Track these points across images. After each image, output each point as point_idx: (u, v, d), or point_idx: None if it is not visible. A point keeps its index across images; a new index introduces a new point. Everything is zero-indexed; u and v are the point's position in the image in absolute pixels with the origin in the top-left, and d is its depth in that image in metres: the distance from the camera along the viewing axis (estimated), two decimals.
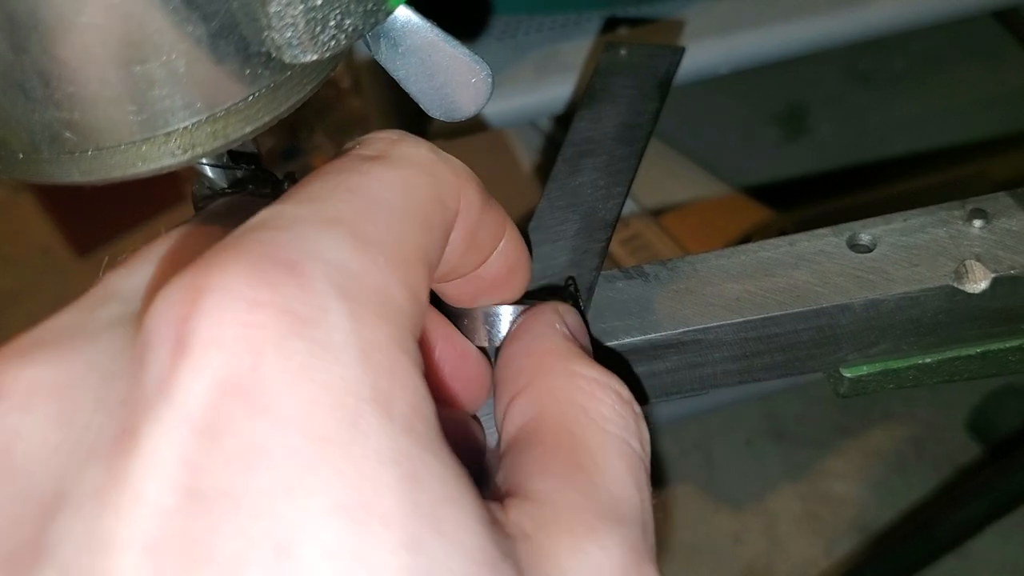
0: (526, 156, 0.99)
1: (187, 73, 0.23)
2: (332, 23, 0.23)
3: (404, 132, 0.26)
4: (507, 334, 0.32)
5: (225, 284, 0.19)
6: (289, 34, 0.23)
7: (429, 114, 0.31)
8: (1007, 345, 0.41)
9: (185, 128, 0.24)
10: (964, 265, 0.39)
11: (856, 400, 1.45)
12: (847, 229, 0.41)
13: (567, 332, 0.30)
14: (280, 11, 0.23)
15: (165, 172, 0.24)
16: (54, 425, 0.21)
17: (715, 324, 0.39)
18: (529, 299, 0.38)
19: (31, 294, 1.68)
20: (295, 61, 0.23)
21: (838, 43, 0.73)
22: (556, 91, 0.70)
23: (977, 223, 0.41)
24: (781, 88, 1.19)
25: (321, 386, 0.19)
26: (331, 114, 1.06)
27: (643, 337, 0.38)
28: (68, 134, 0.23)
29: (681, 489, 1.39)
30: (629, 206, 0.96)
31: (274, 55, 0.24)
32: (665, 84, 0.48)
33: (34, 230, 1.73)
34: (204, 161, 0.31)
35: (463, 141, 0.94)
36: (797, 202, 1.04)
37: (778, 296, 0.39)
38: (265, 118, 0.25)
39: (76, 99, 0.23)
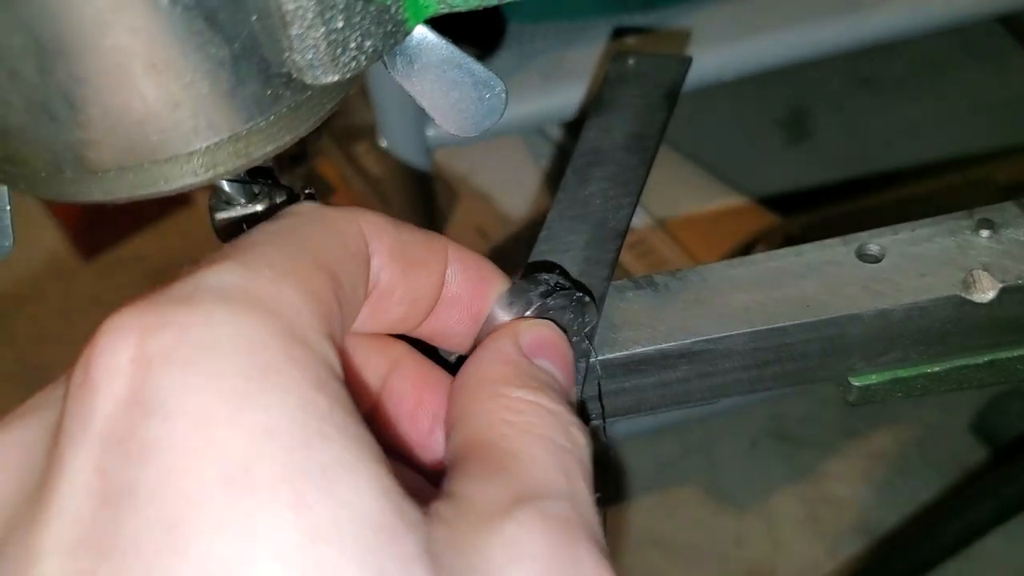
0: (533, 163, 0.99)
1: (209, 94, 0.23)
2: (352, 45, 0.24)
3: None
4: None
5: (123, 322, 0.23)
6: (310, 56, 0.23)
7: (444, 128, 0.32)
8: (1015, 354, 0.42)
9: (207, 147, 0.24)
10: (972, 275, 0.40)
11: None
12: (855, 239, 0.42)
13: (518, 353, 0.31)
14: (302, 33, 0.23)
15: (186, 191, 0.24)
16: (13, 478, 0.24)
17: (725, 334, 0.39)
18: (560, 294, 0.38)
19: (37, 299, 1.68)
20: (316, 82, 0.24)
21: (842, 49, 0.73)
22: (562, 98, 0.70)
23: (984, 233, 0.41)
24: (784, 93, 1.19)
25: (207, 376, 0.21)
26: (337, 119, 1.06)
27: (654, 347, 0.39)
28: (91, 154, 0.24)
29: (684, 491, 1.39)
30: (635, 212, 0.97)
31: (295, 76, 0.24)
32: (673, 94, 0.49)
33: (40, 234, 1.73)
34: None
35: (470, 148, 0.95)
36: (801, 206, 1.05)
37: (787, 306, 0.40)
38: (286, 137, 0.25)
39: (99, 120, 0.23)
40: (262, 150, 0.25)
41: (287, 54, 0.23)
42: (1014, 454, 1.30)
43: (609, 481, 0.31)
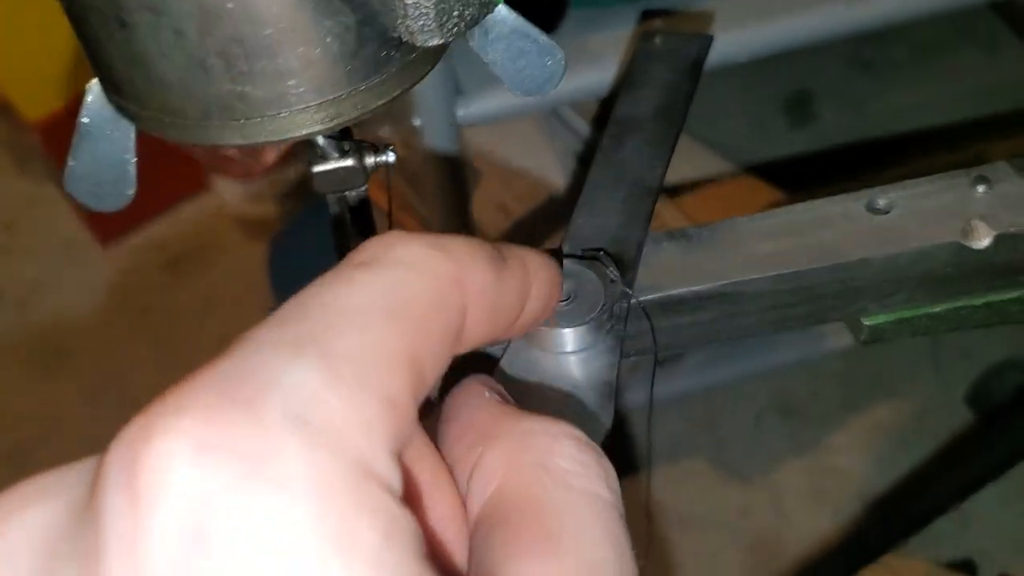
0: (548, 143, 1.04)
1: (338, 55, 0.28)
2: (456, 13, 0.28)
3: (403, 233, 0.25)
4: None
5: (176, 425, 0.19)
6: (421, 22, 0.28)
7: (513, 91, 0.36)
8: (1009, 296, 0.47)
9: (333, 100, 0.29)
10: (969, 224, 0.44)
11: (861, 376, 1.50)
12: (866, 194, 0.46)
13: (499, 399, 0.28)
14: (415, 3, 0.28)
15: (310, 138, 0.29)
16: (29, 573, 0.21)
17: (752, 278, 0.44)
18: (577, 260, 0.43)
19: (55, 285, 1.72)
20: (424, 45, 0.28)
21: (854, 31, 0.78)
22: (596, 77, 0.74)
23: (980, 188, 0.46)
24: (788, 77, 1.24)
25: (277, 529, 0.19)
26: None
27: (688, 289, 0.44)
28: (238, 104, 0.28)
29: (690, 464, 1.44)
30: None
31: (406, 40, 0.29)
32: (697, 68, 0.53)
33: (58, 221, 1.77)
34: None
35: (489, 130, 0.99)
36: (805, 185, 1.09)
37: (807, 253, 0.44)
38: (395, 92, 0.30)
39: (250, 76, 0.28)
40: (375, 103, 0.29)
41: (401, 21, 0.28)
42: (1003, 419, 1.35)
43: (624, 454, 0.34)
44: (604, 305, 0.41)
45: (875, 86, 1.26)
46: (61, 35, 1.50)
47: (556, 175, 1.04)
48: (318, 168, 0.36)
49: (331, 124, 0.29)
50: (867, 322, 0.46)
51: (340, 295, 0.22)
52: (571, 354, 0.41)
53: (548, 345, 0.41)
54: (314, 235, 1.41)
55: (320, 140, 0.36)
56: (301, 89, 0.28)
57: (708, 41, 0.55)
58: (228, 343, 0.22)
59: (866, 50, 1.25)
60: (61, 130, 1.60)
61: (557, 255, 0.44)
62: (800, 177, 1.09)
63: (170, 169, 1.64)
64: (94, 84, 0.33)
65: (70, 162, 0.34)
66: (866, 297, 0.45)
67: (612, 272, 0.42)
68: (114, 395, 1.58)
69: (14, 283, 1.72)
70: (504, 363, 0.41)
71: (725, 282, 0.44)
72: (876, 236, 0.45)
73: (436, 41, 0.29)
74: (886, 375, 1.50)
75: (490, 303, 0.26)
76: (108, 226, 1.73)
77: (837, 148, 1.19)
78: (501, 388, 0.29)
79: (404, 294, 0.23)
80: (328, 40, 0.27)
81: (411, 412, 0.22)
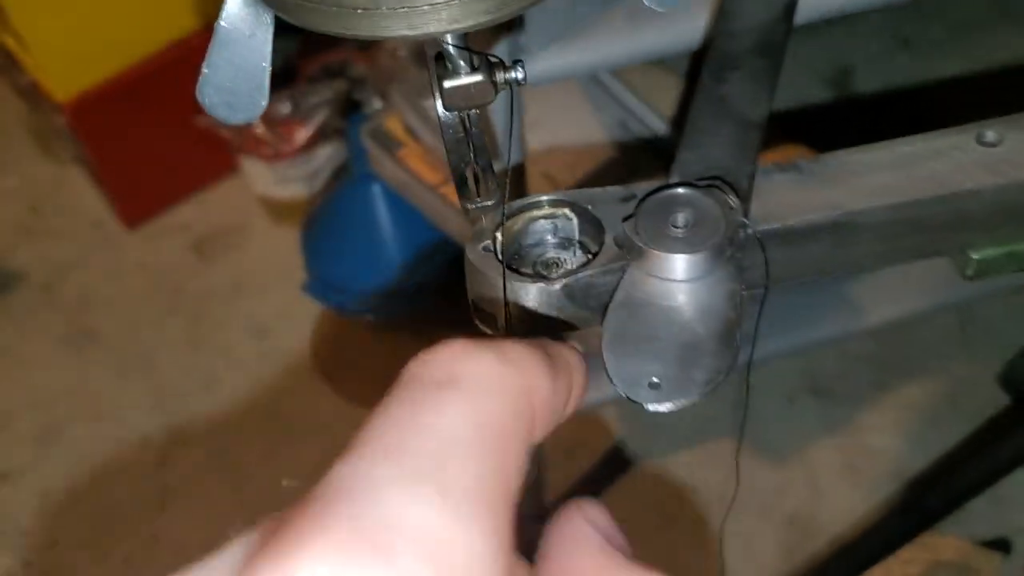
0: (593, 112, 1.03)
1: None
2: None
3: (465, 344, 0.26)
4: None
5: (312, 568, 0.20)
6: None
7: (649, 3, 0.36)
8: None
9: None
10: None
11: (892, 356, 1.49)
12: (975, 127, 0.46)
13: (599, 536, 0.27)
14: None
15: (484, 27, 0.29)
16: None
17: (866, 207, 0.43)
18: (693, 188, 0.42)
19: (82, 267, 1.72)
20: None
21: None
22: (688, 26, 0.72)
23: None
24: (829, 54, 1.24)
25: None
26: (406, 72, 1.11)
27: (802, 219, 0.43)
28: None
29: (725, 444, 1.44)
30: None
31: None
32: (790, 8, 0.53)
33: (85, 203, 1.77)
34: (450, 43, 0.35)
35: (532, 99, 0.99)
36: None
37: (918, 184, 0.44)
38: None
39: None
40: (510, 9, 0.29)
41: None
42: None
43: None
44: (725, 231, 0.41)
45: (915, 62, 1.26)
46: (91, 14, 1.50)
47: (601, 144, 1.04)
48: (449, 83, 0.35)
49: (503, 13, 0.29)
50: (975, 255, 0.46)
51: (436, 424, 0.24)
52: (690, 282, 0.41)
53: (668, 272, 0.41)
54: (345, 210, 1.41)
55: (452, 51, 0.36)
56: None
57: None
58: (329, 469, 0.23)
59: (905, 27, 1.26)
60: (88, 112, 1.60)
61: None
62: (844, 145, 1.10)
63: (197, 151, 1.64)
64: None
65: (205, 70, 0.34)
66: (975, 229, 0.45)
67: (731, 199, 0.42)
68: (143, 375, 1.58)
69: (40, 265, 1.72)
70: (619, 295, 0.41)
71: (840, 212, 0.43)
72: (986, 168, 0.45)
73: None
74: (916, 355, 1.50)
75: (551, 407, 0.27)
76: (134, 208, 1.73)
77: (877, 122, 1.19)
78: (608, 523, 0.28)
79: (491, 419, 0.24)
80: None
81: (511, 549, 0.23)
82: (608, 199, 0.45)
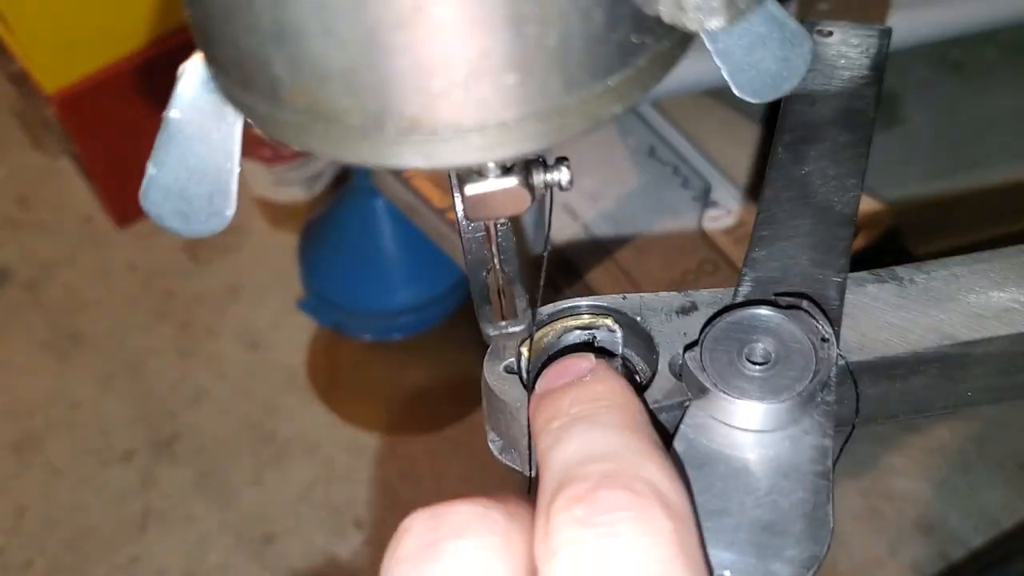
0: (619, 139, 0.95)
1: (581, 39, 0.19)
2: None
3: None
4: None
5: None
6: None
7: (738, 93, 0.27)
8: None
9: (558, 107, 0.20)
10: None
11: None
12: None
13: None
14: None
15: (528, 156, 0.20)
16: None
17: (984, 337, 0.35)
18: (775, 309, 0.34)
19: (69, 266, 1.64)
20: (700, 28, 0.19)
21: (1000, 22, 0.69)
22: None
23: None
24: None
25: None
26: None
27: (906, 350, 0.35)
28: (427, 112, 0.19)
29: None
30: (728, 189, 0.93)
31: (668, 21, 0.20)
32: (879, 67, 0.44)
33: (74, 198, 1.69)
34: None
35: None
36: (895, 188, 1.01)
37: None
38: (638, 93, 0.21)
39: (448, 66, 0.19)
40: (609, 110, 0.20)
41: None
42: None
43: None
44: (816, 373, 0.32)
45: (964, 89, 1.18)
46: (81, 2, 1.41)
47: (627, 171, 0.95)
48: (473, 189, 0.27)
49: (551, 139, 0.20)
50: None
51: None
52: (770, 432, 0.32)
53: (741, 420, 0.32)
54: (345, 223, 1.32)
55: None
56: (522, 90, 0.19)
57: (887, 35, 0.46)
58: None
59: (954, 51, 1.17)
60: (77, 104, 1.51)
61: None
62: (890, 181, 1.01)
63: None
64: (192, 65, 0.24)
65: (151, 171, 0.26)
66: None
67: (823, 328, 0.33)
68: (129, 385, 1.50)
69: (26, 262, 1.64)
70: (678, 446, 0.32)
71: (953, 342, 0.35)
72: None
73: (719, 22, 0.20)
74: None
75: None
76: (125, 205, 1.64)
77: (927, 153, 1.10)
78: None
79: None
80: (572, 20, 0.18)
81: None
82: (662, 308, 0.36)
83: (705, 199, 0.92)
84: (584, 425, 0.28)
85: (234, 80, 0.21)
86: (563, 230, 0.88)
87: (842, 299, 0.36)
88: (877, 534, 1.32)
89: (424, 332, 1.32)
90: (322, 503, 1.38)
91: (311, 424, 1.44)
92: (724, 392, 0.32)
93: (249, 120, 0.23)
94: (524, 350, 0.35)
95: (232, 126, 0.24)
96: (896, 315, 0.35)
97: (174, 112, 0.24)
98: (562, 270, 0.90)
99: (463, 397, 1.31)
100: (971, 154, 1.11)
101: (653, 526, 0.25)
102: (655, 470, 0.26)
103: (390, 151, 0.20)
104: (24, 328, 1.57)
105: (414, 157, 0.20)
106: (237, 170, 0.26)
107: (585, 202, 0.91)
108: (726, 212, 0.89)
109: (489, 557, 0.25)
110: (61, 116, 1.53)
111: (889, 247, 0.94)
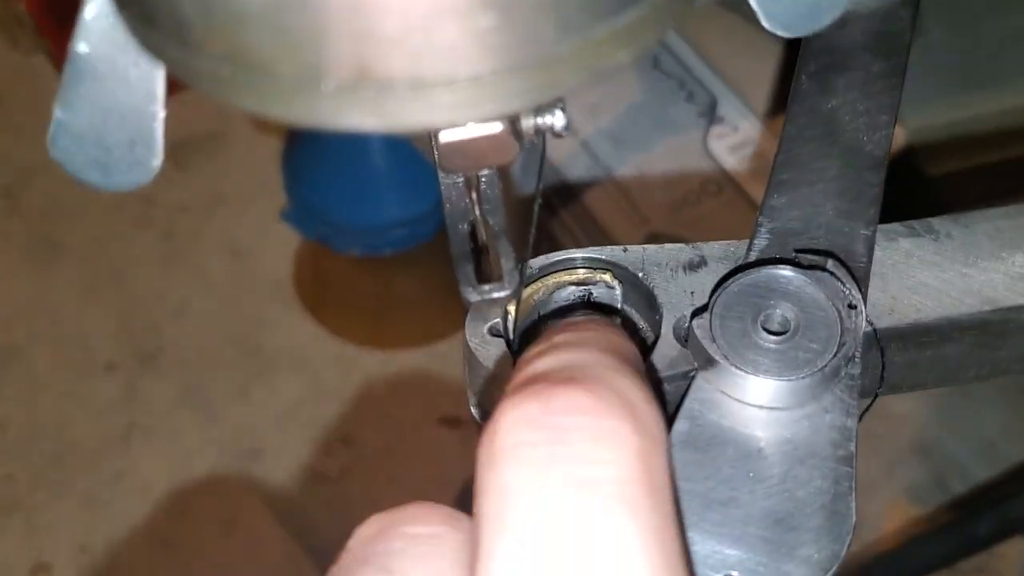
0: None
1: None
2: None
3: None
4: None
5: None
6: None
7: (768, 27, 0.23)
8: None
9: (548, 57, 0.15)
10: None
11: None
12: None
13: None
14: None
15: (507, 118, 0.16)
16: None
17: None
18: (796, 269, 0.30)
19: (47, 171, 1.58)
20: None
21: None
22: None
23: None
24: None
25: None
26: None
27: (939, 316, 0.31)
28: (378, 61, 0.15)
29: None
30: (735, 104, 0.87)
31: None
32: None
33: (51, 99, 1.61)
34: None
35: None
36: (908, 105, 0.96)
37: None
38: (644, 40, 0.16)
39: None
40: (613, 58, 0.16)
41: None
42: None
43: None
44: (841, 345, 0.28)
45: (987, 5, 1.12)
46: None
47: (628, 84, 0.90)
48: (448, 137, 0.22)
49: (539, 96, 0.16)
50: None
51: None
52: (786, 411, 0.29)
53: (754, 396, 0.29)
54: (334, 137, 1.27)
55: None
56: (502, 35, 0.15)
57: None
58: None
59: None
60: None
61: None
62: (908, 97, 0.96)
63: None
64: None
65: (58, 114, 0.21)
66: None
67: (851, 292, 0.29)
68: (111, 295, 1.46)
69: (3, 167, 1.58)
70: (681, 425, 0.29)
71: (994, 308, 0.31)
72: None
73: None
74: None
75: None
76: None
77: (946, 69, 1.05)
78: None
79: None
80: None
81: None
82: (667, 262, 0.32)
83: (711, 115, 0.87)
84: (565, 347, 0.24)
85: (134, 14, 0.17)
86: (559, 146, 0.83)
87: (870, 255, 0.31)
88: (873, 456, 1.30)
89: (418, 249, 1.28)
90: (309, 419, 1.36)
91: (298, 338, 1.41)
92: (736, 366, 0.28)
93: (160, 61, 0.18)
94: (511, 308, 0.31)
95: (153, 62, 0.20)
96: (931, 274, 0.31)
97: (81, 46, 0.20)
98: (558, 191, 0.85)
99: (455, 311, 1.28)
100: (991, 71, 1.06)
101: (616, 438, 0.21)
102: (629, 384, 0.22)
103: (332, 109, 0.15)
104: (3, 236, 1.52)
105: (364, 117, 0.15)
106: (162, 114, 0.21)
107: (583, 116, 0.86)
108: (732, 129, 0.84)
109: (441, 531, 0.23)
110: (32, 10, 1.47)
111: (901, 168, 0.89)
